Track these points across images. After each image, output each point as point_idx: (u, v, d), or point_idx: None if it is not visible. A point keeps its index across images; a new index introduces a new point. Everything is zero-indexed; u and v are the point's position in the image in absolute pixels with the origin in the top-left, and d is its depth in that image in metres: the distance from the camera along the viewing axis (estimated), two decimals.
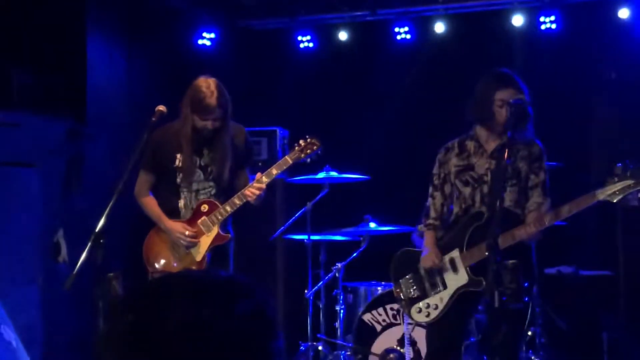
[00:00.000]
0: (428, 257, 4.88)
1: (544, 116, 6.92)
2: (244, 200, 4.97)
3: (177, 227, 5.02)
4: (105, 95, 6.98)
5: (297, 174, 7.10)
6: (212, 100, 4.95)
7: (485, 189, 4.80)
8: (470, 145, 4.94)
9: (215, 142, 5.08)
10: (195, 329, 1.24)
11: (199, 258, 5.05)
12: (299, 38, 8.19)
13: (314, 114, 8.22)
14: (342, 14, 8.01)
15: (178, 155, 5.08)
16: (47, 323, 6.24)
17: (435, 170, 5.06)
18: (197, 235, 5.05)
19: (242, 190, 4.98)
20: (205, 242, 5.05)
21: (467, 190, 4.87)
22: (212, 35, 8.10)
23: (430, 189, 5.07)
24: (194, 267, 5.03)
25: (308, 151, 5.13)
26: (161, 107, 4.88)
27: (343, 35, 8.08)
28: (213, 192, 5.10)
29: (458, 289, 4.78)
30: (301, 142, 5.14)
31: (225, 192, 5.11)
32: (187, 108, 5.02)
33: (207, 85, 5.00)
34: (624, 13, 7.17)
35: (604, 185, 4.33)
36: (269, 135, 7.48)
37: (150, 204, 5.14)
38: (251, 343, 1.28)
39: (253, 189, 4.93)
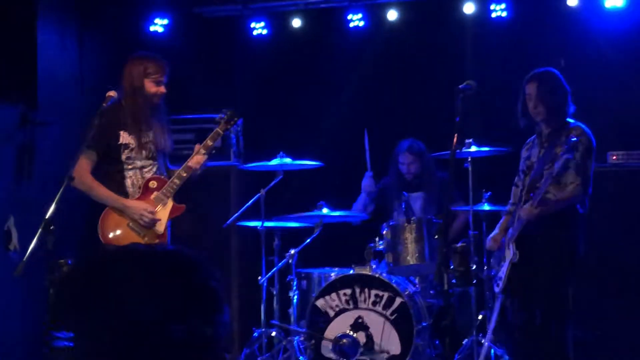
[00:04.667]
0: (489, 239, 5.60)
1: (493, 102, 7.04)
2: (190, 172, 5.22)
3: (139, 206, 5.14)
4: (57, 81, 6.92)
5: (250, 160, 7.12)
6: (162, 61, 5.29)
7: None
8: (538, 138, 5.41)
9: (156, 118, 5.32)
10: (140, 298, 1.25)
11: (161, 231, 5.21)
12: (253, 25, 8.16)
13: (267, 101, 8.22)
14: (296, 1, 8.01)
15: (121, 133, 5.18)
16: None
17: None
18: (155, 212, 5.18)
19: (186, 163, 5.23)
20: (164, 215, 5.22)
21: (524, 177, 5.43)
22: (165, 22, 8.05)
23: (515, 179, 5.59)
24: (157, 240, 5.17)
25: (232, 122, 5.46)
26: (112, 93, 5.03)
27: (297, 22, 8.08)
28: (154, 169, 5.28)
29: (509, 262, 5.25)
30: (224, 116, 5.44)
31: (162, 170, 5.33)
32: (138, 76, 5.20)
33: (147, 53, 5.39)
34: (572, 1, 7.26)
35: None
36: None
37: (98, 186, 5.15)
38: (196, 315, 1.30)
39: (197, 159, 5.22)
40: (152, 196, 5.19)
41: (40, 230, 4.30)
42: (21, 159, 6.50)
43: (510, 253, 5.25)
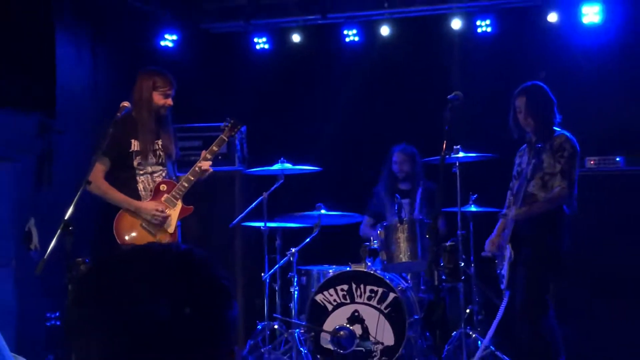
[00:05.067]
0: (487, 243, 5.52)
1: (479, 111, 7.05)
2: (198, 176, 5.24)
3: (151, 206, 5.16)
4: (74, 92, 6.93)
5: (254, 165, 7.13)
6: (169, 75, 5.30)
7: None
8: (528, 146, 5.41)
9: (163, 128, 5.34)
10: (155, 295, 1.25)
11: (171, 230, 5.23)
12: (255, 40, 8.18)
13: (269, 110, 8.23)
14: (295, 18, 8.02)
15: (133, 141, 5.22)
16: (21, 306, 6.20)
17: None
18: (166, 211, 5.22)
19: (194, 167, 5.25)
20: (174, 215, 5.24)
21: (515, 182, 5.41)
22: (175, 37, 8.06)
23: (510, 184, 5.56)
24: (168, 239, 5.18)
25: (235, 130, 5.49)
26: (125, 103, 5.08)
27: (296, 38, 8.09)
28: (164, 174, 5.30)
29: (508, 261, 5.25)
30: (228, 124, 5.47)
31: (170, 175, 5.36)
32: (147, 89, 5.24)
33: (157, 68, 5.39)
34: (552, 17, 7.27)
35: None
36: None
37: (111, 190, 5.17)
38: (207, 310, 1.29)
39: (204, 163, 5.24)
40: (163, 198, 5.22)
41: (59, 231, 4.30)
42: (41, 164, 6.50)
43: (507, 253, 5.26)
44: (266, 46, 8.20)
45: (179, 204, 5.24)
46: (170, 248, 1.36)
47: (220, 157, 6.54)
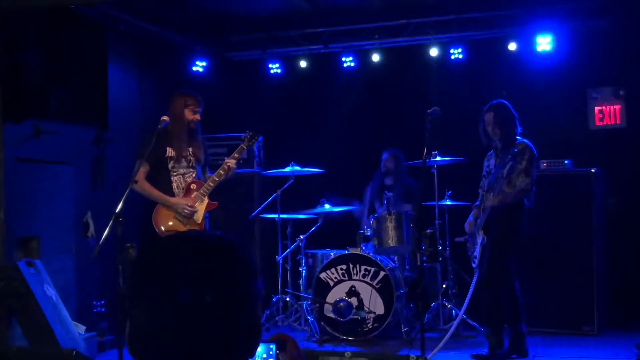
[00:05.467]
0: (465, 224, 5.47)
1: (452, 123, 7.03)
2: (221, 177, 5.19)
3: (182, 201, 5.15)
4: (122, 109, 6.92)
5: (269, 168, 7.11)
6: (198, 96, 5.29)
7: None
8: (495, 151, 5.42)
9: (193, 138, 5.30)
10: (196, 270, 1.25)
11: (199, 221, 5.21)
12: (270, 66, 8.16)
13: (282, 123, 8.21)
14: (302, 47, 8.00)
15: (168, 148, 5.21)
16: (80, 283, 6.20)
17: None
18: (195, 205, 5.19)
19: (218, 170, 5.21)
20: (201, 208, 5.22)
21: (484, 180, 5.42)
22: (204, 64, 8.05)
23: (480, 183, 5.52)
24: (196, 228, 5.16)
25: (253, 140, 5.40)
26: (164, 117, 5.08)
27: (303, 64, 8.07)
28: (194, 175, 5.28)
29: (480, 245, 5.23)
30: (247, 135, 5.39)
31: (199, 176, 5.33)
32: (180, 107, 5.22)
33: (188, 90, 5.35)
34: (512, 46, 7.25)
35: None
36: None
37: (151, 188, 5.17)
38: (237, 282, 1.29)
39: (226, 167, 5.20)
40: (192, 195, 5.20)
41: (111, 221, 4.29)
42: (95, 168, 6.50)
43: (479, 238, 5.23)
44: (279, 71, 8.18)
45: (206, 200, 5.22)
46: (207, 233, 1.36)
47: (241, 162, 6.51)
